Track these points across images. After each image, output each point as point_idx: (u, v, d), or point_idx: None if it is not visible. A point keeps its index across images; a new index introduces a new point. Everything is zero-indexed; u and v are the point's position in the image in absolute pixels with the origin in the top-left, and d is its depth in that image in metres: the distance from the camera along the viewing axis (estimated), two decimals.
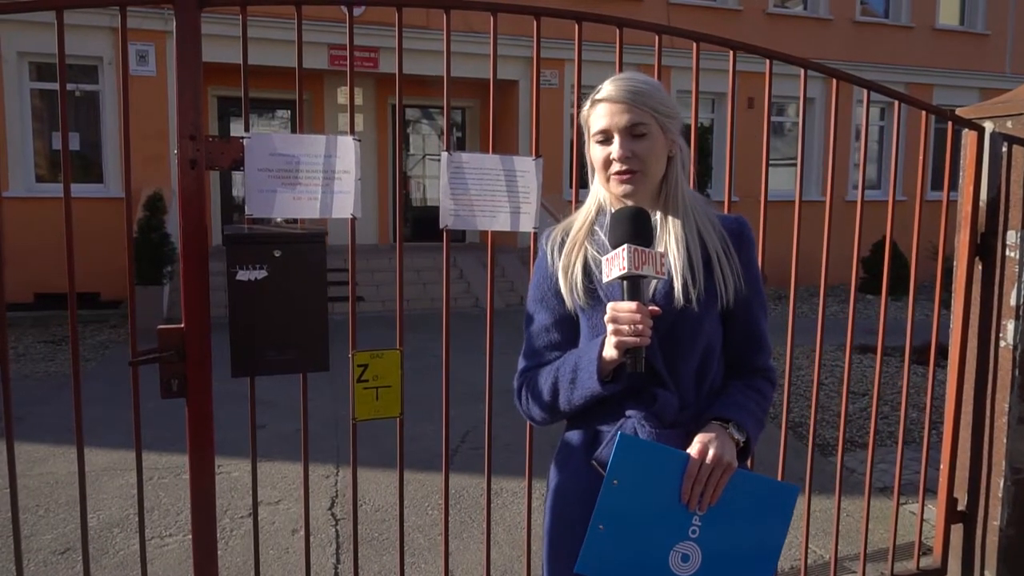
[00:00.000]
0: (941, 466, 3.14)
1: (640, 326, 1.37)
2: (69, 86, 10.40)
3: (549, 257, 1.64)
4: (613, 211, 1.54)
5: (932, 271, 3.21)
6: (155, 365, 1.94)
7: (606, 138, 1.54)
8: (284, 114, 13.46)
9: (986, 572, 3.03)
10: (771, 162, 3.13)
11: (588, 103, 1.58)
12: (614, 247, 1.43)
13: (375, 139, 13.50)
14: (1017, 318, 2.88)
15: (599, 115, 1.54)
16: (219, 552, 2.12)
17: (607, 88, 1.53)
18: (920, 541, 3.19)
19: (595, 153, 1.56)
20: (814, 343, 2.88)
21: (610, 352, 1.42)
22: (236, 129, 11.83)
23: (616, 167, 1.52)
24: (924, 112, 2.93)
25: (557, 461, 1.67)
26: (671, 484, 1.41)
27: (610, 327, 1.40)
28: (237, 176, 12.91)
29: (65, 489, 4.25)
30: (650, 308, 1.41)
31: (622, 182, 1.52)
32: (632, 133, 1.51)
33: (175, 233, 9.24)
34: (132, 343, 1.96)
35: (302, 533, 3.68)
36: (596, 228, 1.60)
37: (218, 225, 12.23)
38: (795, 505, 1.47)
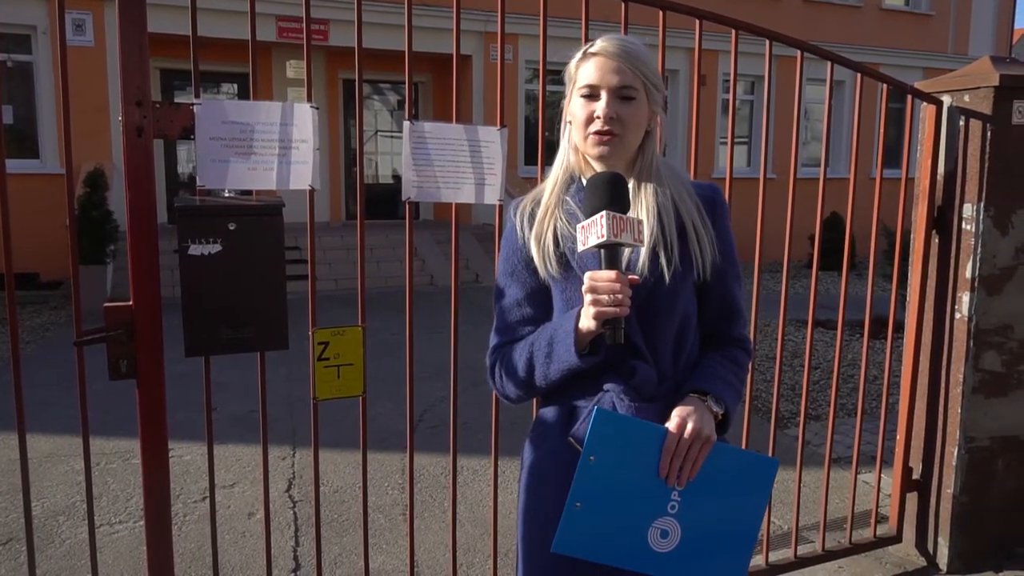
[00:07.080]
0: (897, 436, 3.20)
1: (619, 296, 1.32)
2: (0, 56, 9.93)
3: (519, 228, 1.57)
4: (589, 176, 1.48)
5: (881, 248, 3.23)
6: (101, 346, 1.83)
7: (592, 94, 1.47)
8: (231, 88, 13.04)
9: (940, 539, 3.10)
10: (721, 140, 3.12)
11: (579, 54, 1.51)
12: (590, 214, 1.36)
13: (326, 114, 13.17)
14: (972, 290, 2.93)
15: (589, 69, 1.47)
16: (173, 538, 2.03)
17: (602, 43, 1.47)
18: (877, 510, 3.25)
19: (576, 107, 1.50)
20: (769, 318, 2.89)
21: (587, 323, 1.37)
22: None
23: (597, 126, 1.46)
24: (884, 86, 2.93)
25: (532, 439, 1.62)
26: (649, 459, 1.37)
27: (588, 297, 1.35)
28: (183, 152, 12.51)
29: (7, 477, 4.08)
30: (629, 277, 1.36)
31: (600, 143, 1.47)
32: (620, 95, 1.45)
33: (118, 210, 8.88)
34: (76, 322, 1.84)
35: (259, 516, 3.59)
36: (566, 197, 1.55)
37: (163, 202, 11.82)
38: (775, 478, 1.45)
